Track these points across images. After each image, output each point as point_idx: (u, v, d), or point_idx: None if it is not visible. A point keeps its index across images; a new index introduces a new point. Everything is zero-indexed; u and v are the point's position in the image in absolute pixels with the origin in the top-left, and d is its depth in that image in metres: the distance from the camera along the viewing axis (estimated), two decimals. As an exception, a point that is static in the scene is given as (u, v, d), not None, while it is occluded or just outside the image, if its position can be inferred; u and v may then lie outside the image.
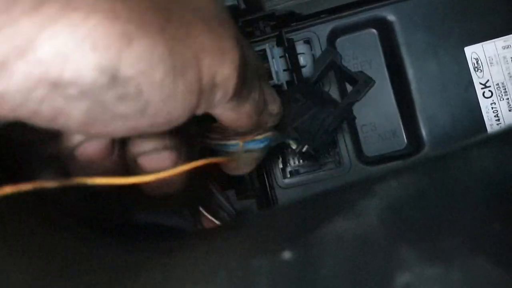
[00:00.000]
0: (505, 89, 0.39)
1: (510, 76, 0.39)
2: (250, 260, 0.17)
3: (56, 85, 0.16)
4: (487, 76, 0.39)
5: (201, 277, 0.17)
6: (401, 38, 0.41)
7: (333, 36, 0.42)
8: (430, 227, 0.15)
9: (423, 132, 0.40)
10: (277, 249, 0.17)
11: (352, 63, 0.42)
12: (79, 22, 0.15)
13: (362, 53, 0.42)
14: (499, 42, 0.39)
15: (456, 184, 0.17)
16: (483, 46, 0.39)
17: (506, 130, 0.20)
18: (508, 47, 0.39)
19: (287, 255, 0.16)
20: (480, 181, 0.16)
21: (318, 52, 0.42)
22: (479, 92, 0.40)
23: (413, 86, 0.40)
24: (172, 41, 0.18)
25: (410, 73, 0.41)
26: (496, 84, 0.39)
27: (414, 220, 0.16)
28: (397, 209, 0.16)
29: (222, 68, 0.20)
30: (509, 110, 0.39)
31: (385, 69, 0.42)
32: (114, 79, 0.16)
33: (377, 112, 0.42)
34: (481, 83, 0.40)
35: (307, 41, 0.42)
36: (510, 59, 0.39)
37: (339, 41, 0.42)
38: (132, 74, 0.17)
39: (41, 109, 0.16)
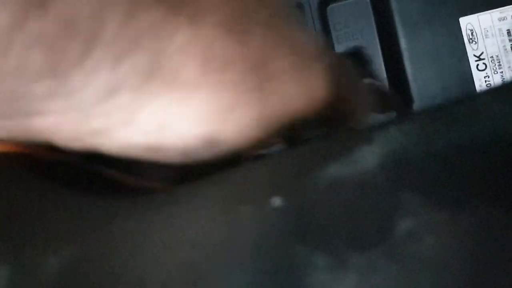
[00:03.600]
0: (499, 62, 0.38)
1: (505, 49, 0.38)
2: (235, 207, 0.15)
3: (155, 150, 0.17)
4: (481, 48, 0.38)
5: (181, 227, 0.16)
6: (394, 7, 0.39)
7: (324, 3, 0.41)
8: (436, 174, 0.14)
9: (414, 104, 0.39)
10: (266, 196, 0.15)
11: (343, 32, 0.41)
12: (185, 97, 0.16)
13: (353, 21, 0.41)
14: (495, 13, 0.38)
15: (462, 131, 0.15)
16: (479, 17, 0.38)
17: (513, 82, 0.18)
18: (504, 19, 0.38)
19: (277, 202, 0.15)
20: (489, 128, 0.15)
21: (309, 21, 0.40)
22: (472, 64, 0.38)
23: (406, 56, 0.39)
24: (266, 102, 0.18)
25: (403, 42, 0.39)
26: (491, 57, 0.38)
27: (417, 166, 0.15)
28: (398, 156, 0.15)
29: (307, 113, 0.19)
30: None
31: (377, 39, 0.40)
32: (214, 143, 0.17)
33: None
34: (475, 55, 0.38)
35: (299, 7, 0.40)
36: (506, 31, 0.38)
37: (330, 9, 0.41)
38: (232, 138, 0.17)
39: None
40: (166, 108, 0.16)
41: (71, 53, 0.13)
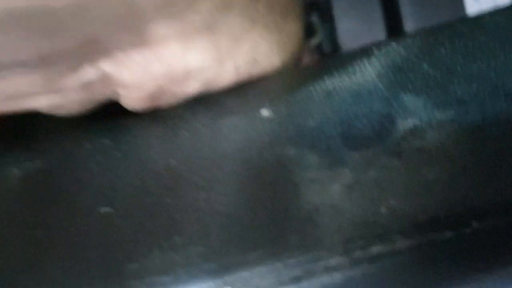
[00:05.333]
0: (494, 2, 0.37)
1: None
2: (221, 119, 0.15)
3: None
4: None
5: (163, 140, 0.15)
6: None
7: None
8: (439, 77, 0.13)
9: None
10: (255, 107, 0.15)
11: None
12: (276, 26, 0.17)
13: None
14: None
15: (467, 40, 0.15)
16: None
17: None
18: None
19: (265, 112, 0.14)
20: (494, 35, 0.14)
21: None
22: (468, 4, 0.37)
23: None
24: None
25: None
26: None
27: (418, 73, 0.14)
28: (398, 65, 0.14)
29: None
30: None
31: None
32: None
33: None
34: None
35: None
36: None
37: None
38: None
39: None
40: (258, 41, 0.15)
41: None
